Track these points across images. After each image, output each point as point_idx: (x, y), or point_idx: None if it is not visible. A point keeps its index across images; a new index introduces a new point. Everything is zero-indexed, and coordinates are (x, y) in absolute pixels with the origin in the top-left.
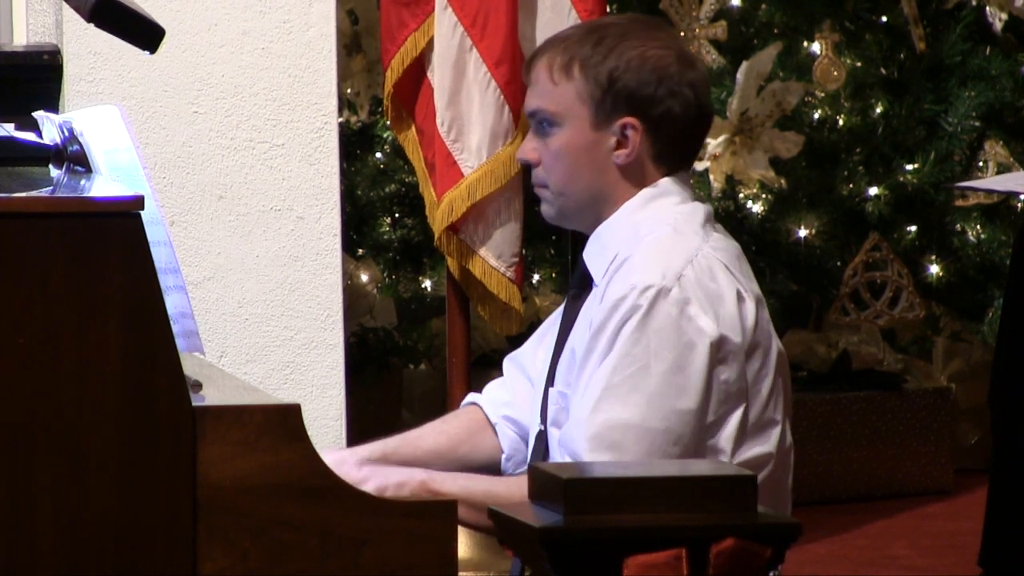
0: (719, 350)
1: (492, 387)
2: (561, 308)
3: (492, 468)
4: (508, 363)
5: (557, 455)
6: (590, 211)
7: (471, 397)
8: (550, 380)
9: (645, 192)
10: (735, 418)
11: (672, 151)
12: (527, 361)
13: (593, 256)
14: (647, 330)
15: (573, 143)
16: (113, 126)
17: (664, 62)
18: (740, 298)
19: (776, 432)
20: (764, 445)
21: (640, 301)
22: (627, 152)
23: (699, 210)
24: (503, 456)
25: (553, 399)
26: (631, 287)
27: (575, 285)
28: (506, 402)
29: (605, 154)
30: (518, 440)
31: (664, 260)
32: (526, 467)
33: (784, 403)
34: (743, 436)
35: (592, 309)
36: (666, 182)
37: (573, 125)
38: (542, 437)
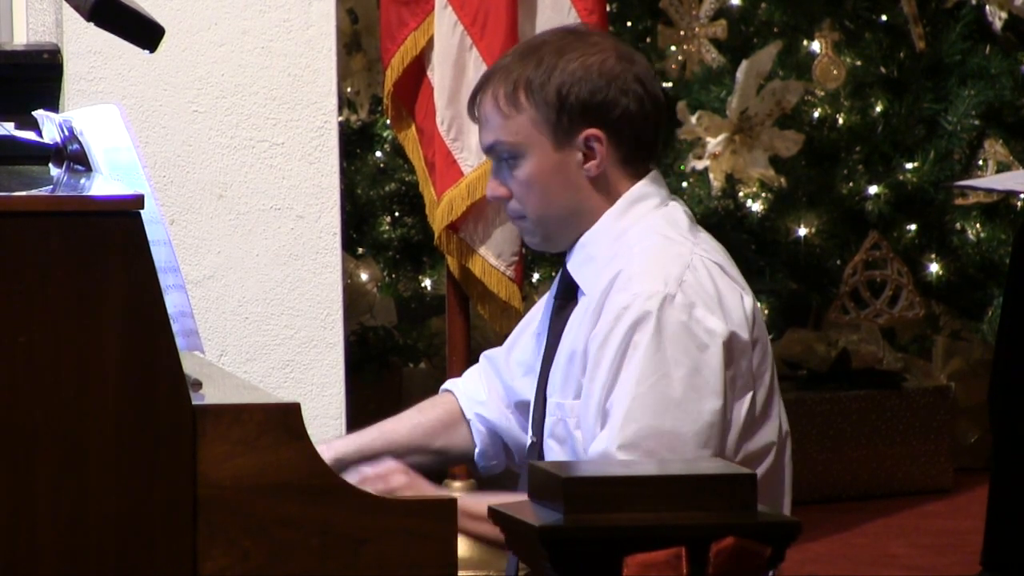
0: (730, 348)
1: (470, 379)
2: (533, 312)
3: (466, 459)
4: (485, 362)
5: None
6: (572, 229)
7: (448, 384)
8: (541, 391)
9: (624, 198)
10: (743, 411)
11: (637, 150)
12: (501, 365)
13: (579, 266)
14: (661, 337)
15: (541, 169)
16: (113, 125)
17: (607, 65)
18: (740, 295)
19: (775, 419)
20: (768, 434)
21: (647, 307)
22: (596, 163)
23: (680, 212)
24: (476, 450)
25: (551, 411)
26: (634, 295)
27: (559, 295)
28: (481, 401)
29: (575, 170)
30: (489, 435)
31: (662, 268)
32: (497, 463)
33: (778, 391)
34: (749, 428)
35: (583, 320)
36: (642, 185)
37: (536, 152)
38: (535, 448)
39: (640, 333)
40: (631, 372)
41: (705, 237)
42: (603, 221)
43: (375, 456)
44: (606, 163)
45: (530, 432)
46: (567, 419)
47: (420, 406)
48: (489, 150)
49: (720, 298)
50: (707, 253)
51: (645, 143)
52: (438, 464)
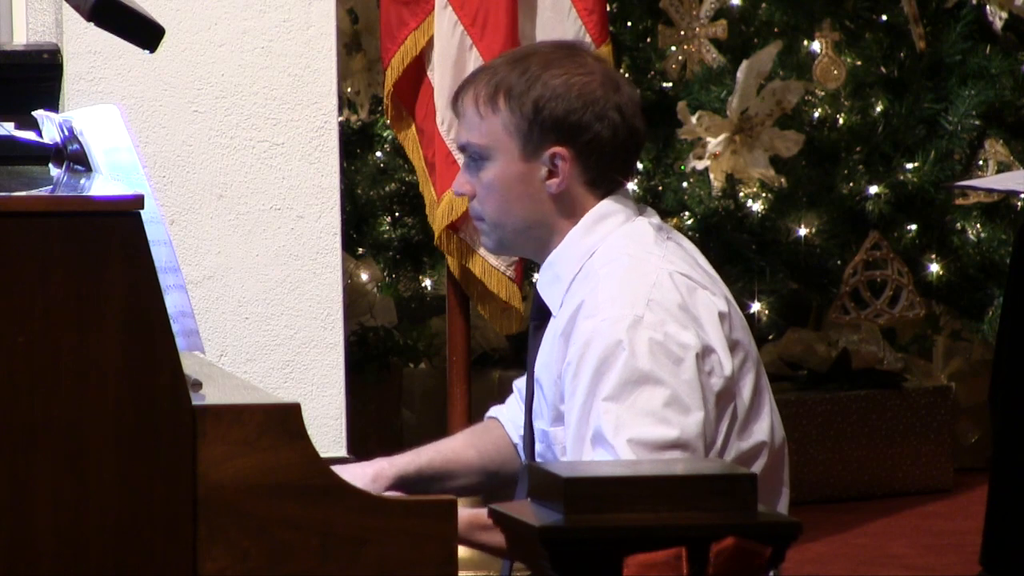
0: (705, 359)
1: (511, 407)
2: None
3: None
4: (516, 392)
5: None
6: (529, 240)
7: (493, 411)
8: (529, 414)
9: (589, 216)
10: (727, 417)
11: (605, 174)
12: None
13: (547, 286)
14: (636, 358)
15: (504, 175)
16: (113, 125)
17: (589, 87)
18: (711, 303)
19: (765, 421)
20: (758, 433)
21: (616, 334)
22: (558, 181)
23: (646, 226)
24: None
25: (538, 437)
26: (601, 322)
27: (534, 316)
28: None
29: (538, 184)
30: None
31: (628, 291)
32: None
33: (767, 390)
34: (734, 432)
35: (553, 346)
36: (607, 203)
37: (503, 157)
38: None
39: (613, 357)
40: (611, 394)
41: (672, 247)
42: (569, 240)
43: (434, 475)
44: (568, 182)
45: (523, 455)
46: (553, 446)
47: (472, 430)
48: (462, 148)
49: (689, 310)
50: (673, 265)
51: (614, 169)
52: (490, 486)
